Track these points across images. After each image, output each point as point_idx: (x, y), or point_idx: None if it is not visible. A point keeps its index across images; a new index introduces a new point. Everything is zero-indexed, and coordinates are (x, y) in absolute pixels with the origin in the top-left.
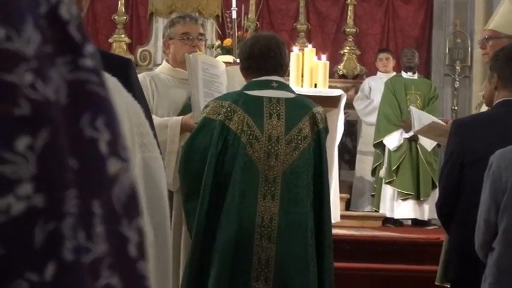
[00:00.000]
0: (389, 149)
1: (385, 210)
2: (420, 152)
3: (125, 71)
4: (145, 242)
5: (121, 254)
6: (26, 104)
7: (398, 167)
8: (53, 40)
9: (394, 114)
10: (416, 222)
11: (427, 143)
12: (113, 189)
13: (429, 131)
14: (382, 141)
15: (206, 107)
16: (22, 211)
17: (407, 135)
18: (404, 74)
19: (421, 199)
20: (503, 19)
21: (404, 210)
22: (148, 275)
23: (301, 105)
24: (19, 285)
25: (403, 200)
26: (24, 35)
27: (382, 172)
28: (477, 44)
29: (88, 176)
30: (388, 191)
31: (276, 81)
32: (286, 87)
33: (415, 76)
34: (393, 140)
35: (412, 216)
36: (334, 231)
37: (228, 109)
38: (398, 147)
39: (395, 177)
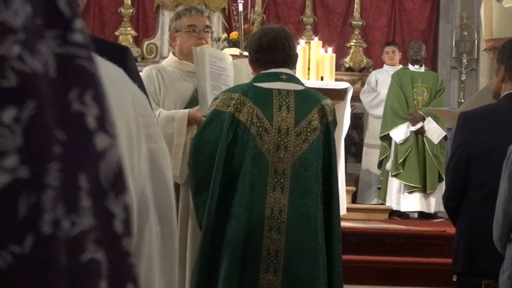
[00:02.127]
0: (395, 142)
1: (392, 203)
2: (427, 145)
3: (122, 59)
4: (131, 219)
5: (106, 229)
6: (13, 76)
7: (404, 160)
8: (43, 13)
9: (400, 107)
10: (423, 215)
11: (434, 136)
12: (99, 164)
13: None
14: (388, 134)
15: (215, 99)
16: (7, 183)
17: (413, 128)
18: (411, 67)
19: (428, 192)
20: (501, 25)
21: (411, 203)
22: (132, 252)
23: (310, 97)
24: (4, 257)
25: (410, 192)
26: (12, 7)
27: (388, 165)
28: (484, 53)
29: (75, 150)
30: (394, 184)
31: (285, 74)
32: (295, 79)
33: (422, 69)
34: (400, 133)
35: (419, 209)
36: (341, 223)
37: (238, 101)
38: (405, 140)
39: (401, 170)
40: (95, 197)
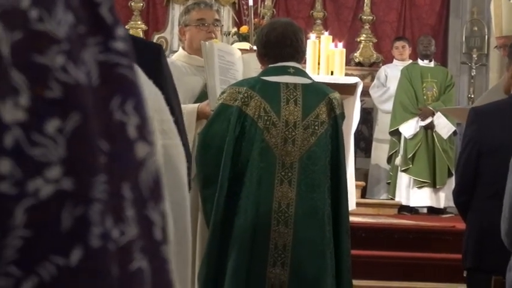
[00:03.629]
0: (405, 137)
1: (401, 198)
2: (436, 140)
3: (157, 57)
4: (167, 226)
5: (148, 237)
6: (57, 87)
7: (414, 155)
8: (85, 21)
9: (410, 102)
10: (432, 210)
11: (443, 131)
12: (140, 173)
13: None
14: (398, 129)
15: (223, 93)
16: (50, 194)
17: (423, 123)
18: (420, 62)
19: (437, 187)
20: (511, 23)
21: (420, 198)
22: (171, 259)
23: (318, 90)
24: (46, 267)
25: (419, 188)
26: (55, 16)
27: (397, 160)
28: (495, 50)
29: (118, 159)
30: (403, 179)
31: (293, 67)
32: (302, 73)
33: (432, 64)
34: (409, 127)
35: (428, 204)
36: (350, 218)
37: (245, 95)
38: (414, 135)
39: (411, 165)
40: (137, 205)
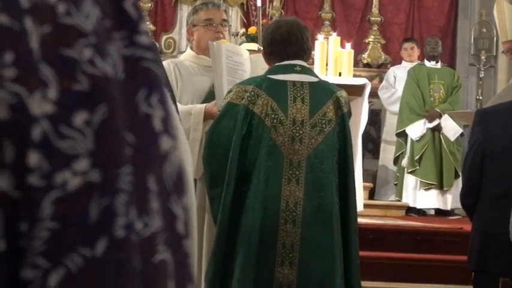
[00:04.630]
0: (411, 139)
1: (408, 199)
2: (443, 142)
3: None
4: (190, 220)
5: (171, 230)
6: (85, 80)
7: (421, 157)
8: (111, 15)
9: (417, 104)
10: (439, 212)
11: (450, 133)
12: (164, 166)
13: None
14: (404, 130)
15: (229, 92)
16: (78, 186)
17: (430, 125)
18: (427, 63)
19: (444, 189)
20: None
21: (427, 200)
22: (192, 253)
23: (325, 89)
24: (73, 259)
25: (426, 189)
26: (83, 10)
27: (404, 161)
28: (502, 54)
29: (144, 151)
30: (410, 180)
31: (299, 65)
32: (309, 71)
33: (438, 65)
34: (416, 129)
35: (435, 206)
36: (358, 219)
37: (252, 93)
38: (421, 137)
39: (417, 167)
40: (161, 198)
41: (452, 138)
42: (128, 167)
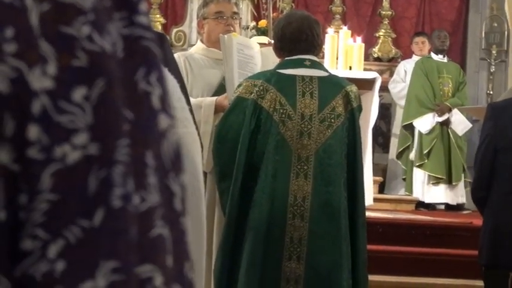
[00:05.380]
0: (419, 132)
1: (417, 194)
2: (451, 136)
3: (160, 45)
4: (186, 198)
5: (168, 207)
6: (84, 56)
7: (429, 151)
8: None
9: (427, 97)
10: (450, 207)
11: (459, 128)
12: (162, 143)
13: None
14: (411, 123)
15: (239, 86)
16: (78, 159)
17: (440, 119)
18: (434, 56)
19: (453, 183)
20: None
21: (436, 194)
22: (188, 230)
23: (334, 83)
24: (72, 230)
25: (435, 184)
26: None
27: (412, 155)
28: None
29: (142, 128)
30: (419, 174)
31: (309, 60)
32: (319, 65)
33: (445, 59)
34: (425, 123)
35: (443, 200)
36: (367, 214)
37: (261, 88)
38: (431, 131)
39: (426, 161)
40: (159, 174)
41: (460, 133)
42: (125, 140)
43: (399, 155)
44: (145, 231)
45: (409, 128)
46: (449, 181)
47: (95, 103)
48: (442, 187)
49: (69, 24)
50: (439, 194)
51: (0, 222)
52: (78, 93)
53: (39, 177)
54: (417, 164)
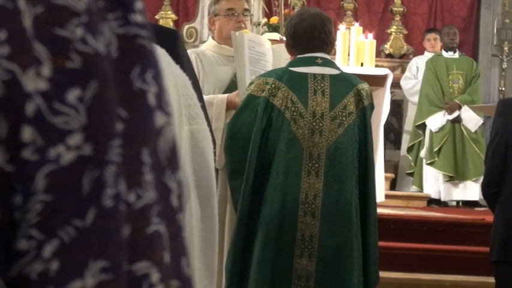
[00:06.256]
0: (430, 130)
1: (431, 191)
2: (465, 133)
3: (172, 42)
4: (183, 194)
5: (165, 204)
6: (77, 58)
7: (440, 149)
8: None
9: (436, 96)
10: (466, 203)
11: (471, 124)
12: (158, 140)
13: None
14: (424, 122)
15: (251, 84)
16: (72, 160)
17: (450, 117)
18: (445, 53)
19: (469, 180)
20: None
21: (452, 191)
22: (185, 226)
23: (346, 81)
24: (66, 230)
25: (448, 181)
26: None
27: (422, 153)
28: None
29: (138, 125)
30: (431, 172)
31: (321, 58)
32: (331, 63)
33: (456, 55)
34: (435, 121)
35: (460, 198)
36: (379, 210)
37: (273, 86)
38: (441, 129)
39: (436, 159)
40: (156, 172)
41: (473, 129)
42: (118, 140)
43: (409, 149)
44: (141, 228)
45: (422, 127)
46: (463, 178)
47: (88, 104)
48: (458, 184)
49: (62, 26)
50: (455, 192)
51: None
52: (72, 95)
53: (33, 178)
54: (428, 162)
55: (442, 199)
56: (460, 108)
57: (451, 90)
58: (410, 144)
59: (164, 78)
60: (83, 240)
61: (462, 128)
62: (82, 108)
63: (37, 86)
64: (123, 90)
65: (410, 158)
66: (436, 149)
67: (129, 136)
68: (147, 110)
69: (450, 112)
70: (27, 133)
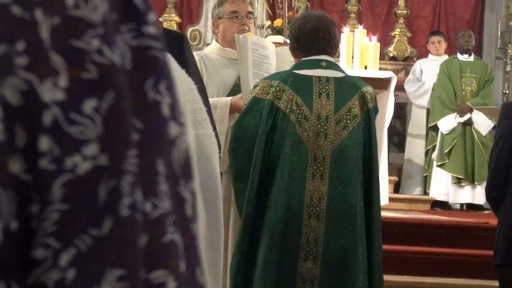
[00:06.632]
0: (442, 132)
1: (439, 193)
2: (476, 136)
3: (179, 46)
4: (196, 204)
5: (180, 213)
6: (93, 68)
7: (450, 150)
8: (118, 8)
9: (448, 98)
10: (472, 206)
11: (482, 128)
12: (172, 151)
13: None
14: (436, 124)
15: (255, 86)
16: (88, 170)
17: (461, 120)
18: (460, 56)
19: (476, 183)
20: None
21: (460, 194)
22: (199, 236)
23: (350, 84)
24: (83, 239)
25: (456, 183)
26: (91, 3)
27: (434, 155)
28: None
29: (153, 136)
30: (441, 174)
31: (325, 61)
32: (335, 66)
33: (471, 58)
34: (447, 123)
35: (468, 200)
36: (383, 213)
37: (277, 88)
38: (452, 131)
39: (447, 161)
40: (170, 181)
41: (484, 133)
42: (134, 150)
43: (426, 154)
44: (157, 237)
45: (435, 129)
46: (472, 181)
47: (104, 114)
48: (465, 187)
49: (79, 37)
50: (463, 194)
51: (13, 231)
52: (89, 105)
53: (50, 187)
54: (438, 164)
55: (450, 201)
56: (471, 111)
57: (463, 92)
58: (426, 149)
59: (177, 88)
60: (99, 249)
61: (473, 131)
62: (98, 118)
63: (54, 96)
64: (137, 101)
65: (422, 163)
66: (446, 151)
67: (144, 146)
68: (161, 120)
69: (461, 115)
70: (45, 143)
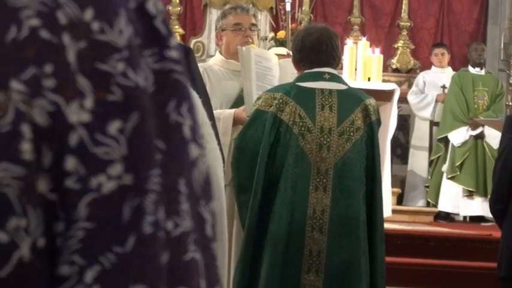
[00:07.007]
0: (453, 145)
1: (448, 206)
2: (487, 149)
3: (186, 58)
4: (216, 224)
5: (201, 232)
6: (118, 91)
7: (462, 163)
8: (142, 33)
9: (461, 111)
10: (472, 218)
11: (494, 142)
12: (193, 171)
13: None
14: (446, 136)
15: (258, 99)
16: (113, 189)
17: (474, 133)
18: (471, 69)
19: (488, 196)
20: None
21: (471, 207)
22: (218, 256)
23: (353, 96)
24: (107, 256)
25: (468, 196)
26: (116, 27)
27: (444, 167)
28: None
29: (175, 157)
30: (451, 187)
31: (328, 73)
32: (338, 78)
33: (483, 72)
34: (459, 135)
35: (479, 213)
36: (386, 225)
37: (280, 101)
38: (463, 143)
39: (458, 173)
40: (191, 201)
41: (495, 146)
42: (157, 170)
43: (430, 164)
44: (179, 255)
45: (443, 141)
46: (485, 194)
47: (129, 135)
48: (477, 199)
49: (104, 61)
50: (474, 207)
51: (40, 249)
52: (114, 126)
53: (76, 206)
54: (449, 176)
55: (461, 214)
56: (483, 124)
57: (475, 106)
58: (431, 159)
59: (197, 111)
60: (123, 265)
61: (484, 145)
62: (123, 139)
63: (80, 118)
64: (160, 122)
65: (425, 174)
66: (458, 164)
67: (166, 166)
68: (182, 142)
69: (474, 128)
70: (71, 163)
